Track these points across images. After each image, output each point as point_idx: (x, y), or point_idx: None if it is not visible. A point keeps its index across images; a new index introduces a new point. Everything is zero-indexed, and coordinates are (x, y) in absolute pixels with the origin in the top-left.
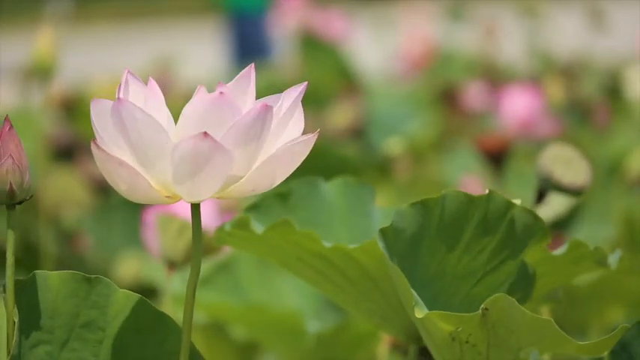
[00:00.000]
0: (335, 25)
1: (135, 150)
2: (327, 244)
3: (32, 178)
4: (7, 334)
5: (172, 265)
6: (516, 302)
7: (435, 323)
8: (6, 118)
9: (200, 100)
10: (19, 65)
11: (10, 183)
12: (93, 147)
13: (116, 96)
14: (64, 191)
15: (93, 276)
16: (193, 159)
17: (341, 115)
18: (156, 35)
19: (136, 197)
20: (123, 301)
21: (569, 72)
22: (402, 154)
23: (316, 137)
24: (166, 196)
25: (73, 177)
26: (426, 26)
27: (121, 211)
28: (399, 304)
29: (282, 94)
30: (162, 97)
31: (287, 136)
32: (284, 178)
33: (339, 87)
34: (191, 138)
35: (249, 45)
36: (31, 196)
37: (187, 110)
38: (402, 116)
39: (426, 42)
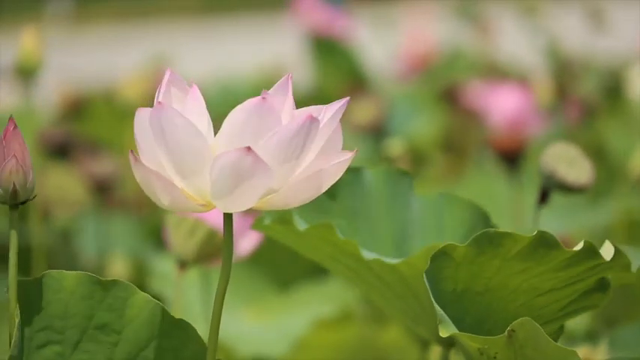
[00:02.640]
0: (339, 25)
1: (173, 157)
2: (369, 256)
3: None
4: (9, 333)
5: (183, 264)
6: (542, 330)
7: (463, 341)
8: (10, 118)
9: (242, 107)
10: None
11: (14, 183)
12: (131, 159)
13: (155, 99)
14: (59, 190)
15: (110, 279)
16: (234, 172)
17: (362, 112)
18: (156, 35)
19: (173, 208)
20: (140, 305)
21: (570, 71)
22: (403, 154)
23: (352, 158)
24: (201, 204)
25: (69, 175)
26: (427, 26)
27: (118, 211)
28: (433, 308)
29: (324, 107)
30: (204, 102)
31: (324, 150)
32: (317, 196)
33: (351, 87)
34: (234, 151)
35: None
36: (35, 196)
37: (231, 117)
38: (404, 116)
39: (427, 41)
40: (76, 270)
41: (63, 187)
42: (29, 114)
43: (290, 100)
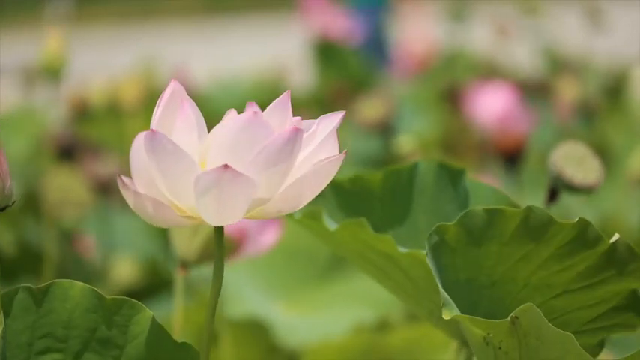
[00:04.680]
0: (340, 26)
1: (164, 178)
2: (402, 250)
3: (32, 178)
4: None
5: (185, 265)
6: (542, 314)
7: (466, 326)
8: None
9: (230, 122)
10: (20, 65)
11: None
12: (120, 184)
13: (155, 112)
14: (65, 191)
15: (119, 297)
16: (215, 190)
17: (369, 110)
18: (156, 36)
19: (162, 224)
20: (145, 324)
21: (572, 72)
22: (413, 152)
23: (342, 159)
24: (189, 216)
25: (74, 177)
26: (427, 26)
27: (122, 212)
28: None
29: (318, 119)
30: (193, 118)
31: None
32: (311, 199)
33: (352, 89)
34: (212, 171)
35: (370, 40)
36: (14, 202)
37: (217, 132)
38: (404, 116)
39: (427, 42)
40: (81, 271)
41: (68, 188)
42: (43, 115)
43: (289, 117)
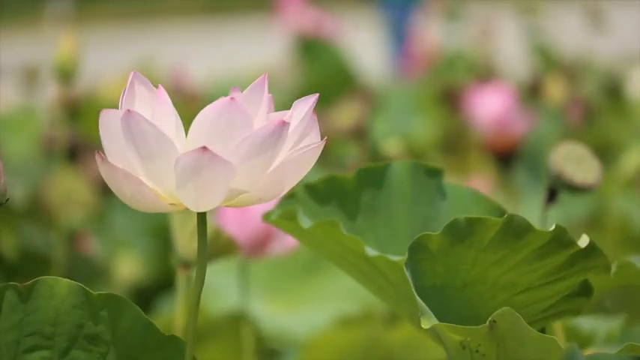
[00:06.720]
0: (329, 26)
1: (142, 160)
2: (371, 252)
3: (34, 178)
4: None
5: (186, 265)
6: (521, 318)
7: (445, 333)
8: None
9: (211, 107)
10: (20, 65)
11: None
12: (98, 159)
13: (120, 101)
14: (68, 192)
15: (104, 293)
16: (194, 172)
17: (345, 115)
18: (156, 36)
19: (141, 206)
20: (132, 319)
21: (570, 72)
22: (401, 154)
23: (323, 146)
24: (170, 204)
25: (76, 178)
26: (426, 27)
27: (124, 212)
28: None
29: (293, 104)
30: (171, 104)
31: (298, 144)
32: (291, 187)
33: (342, 88)
34: (192, 152)
35: (400, 34)
36: (7, 200)
37: (199, 118)
38: (403, 117)
39: (426, 42)
40: (87, 271)
41: (71, 189)
42: (43, 116)
43: (266, 100)
